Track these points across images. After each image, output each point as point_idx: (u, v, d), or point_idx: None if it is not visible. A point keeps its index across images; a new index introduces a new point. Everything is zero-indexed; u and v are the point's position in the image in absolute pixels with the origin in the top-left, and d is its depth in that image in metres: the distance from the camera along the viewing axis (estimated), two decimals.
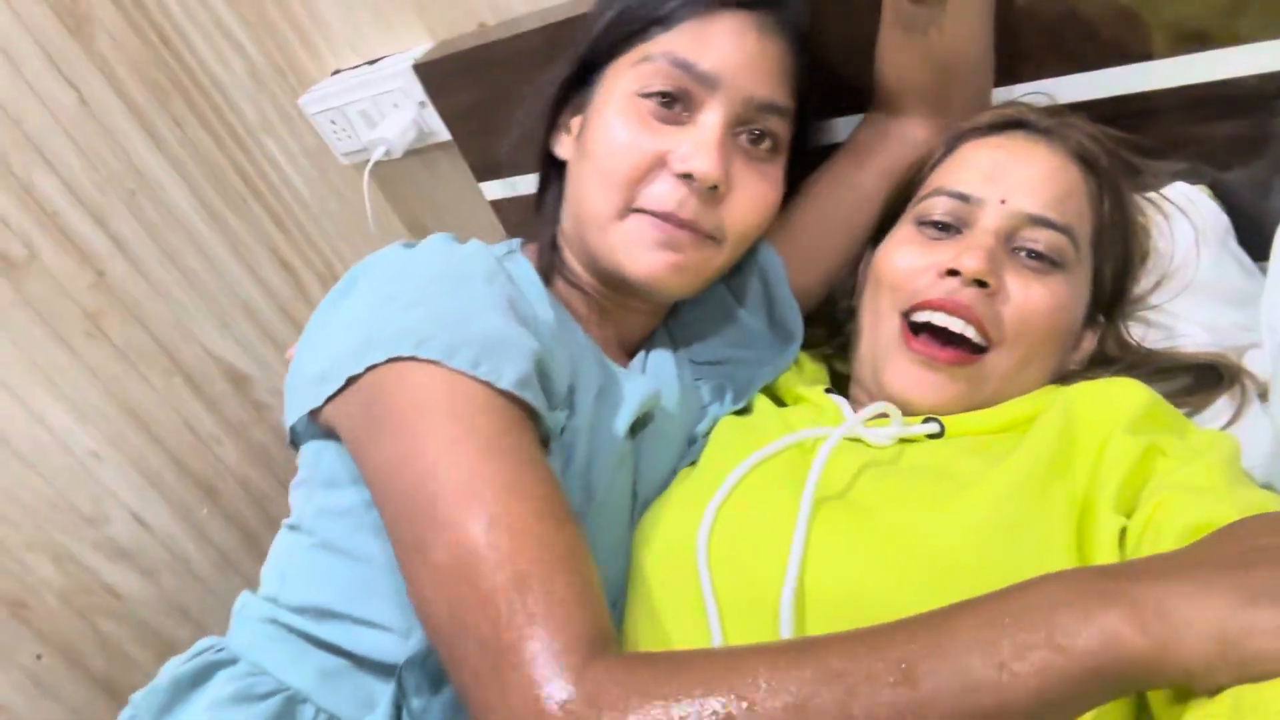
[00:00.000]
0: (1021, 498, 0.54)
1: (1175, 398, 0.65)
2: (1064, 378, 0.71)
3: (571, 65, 0.71)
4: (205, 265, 1.33)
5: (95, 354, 1.21)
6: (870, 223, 0.80)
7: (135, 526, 1.23)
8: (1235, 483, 0.52)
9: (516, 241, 0.76)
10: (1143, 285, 0.76)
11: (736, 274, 0.80)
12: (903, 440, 0.65)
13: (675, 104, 0.65)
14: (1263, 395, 0.68)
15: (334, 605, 0.59)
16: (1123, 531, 0.52)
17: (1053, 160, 0.70)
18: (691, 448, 0.74)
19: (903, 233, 0.73)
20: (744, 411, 0.77)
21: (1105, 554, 0.52)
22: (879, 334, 0.71)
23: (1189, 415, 0.67)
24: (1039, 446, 0.58)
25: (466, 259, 0.61)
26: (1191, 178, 0.78)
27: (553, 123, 0.73)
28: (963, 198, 0.70)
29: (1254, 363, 0.71)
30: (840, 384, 0.80)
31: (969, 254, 0.65)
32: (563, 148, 0.73)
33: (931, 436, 0.65)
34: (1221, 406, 0.68)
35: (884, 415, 0.66)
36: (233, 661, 0.60)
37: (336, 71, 1.23)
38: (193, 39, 1.27)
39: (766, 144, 0.67)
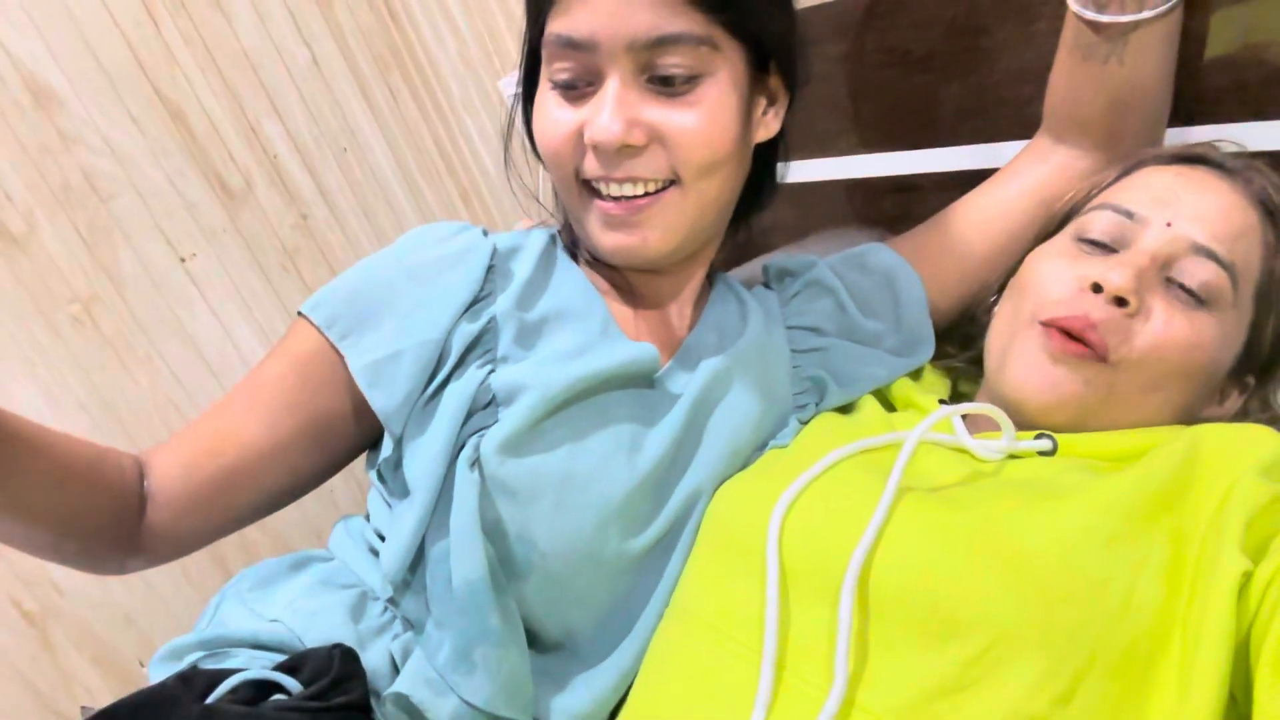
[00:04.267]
0: (1123, 514, 0.52)
1: None
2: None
3: (523, 60, 0.71)
4: (395, 227, 1.45)
5: (287, 288, 1.34)
6: (1020, 248, 0.78)
7: None
8: None
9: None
10: None
11: (860, 280, 0.79)
12: (1011, 456, 0.63)
13: (578, 85, 0.64)
14: None
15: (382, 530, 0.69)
16: (1246, 575, 0.49)
17: (1231, 197, 0.66)
18: (781, 432, 0.73)
19: (1056, 245, 0.71)
20: (847, 410, 0.76)
21: (1220, 593, 0.48)
22: (1008, 338, 0.69)
23: None
24: (1154, 473, 0.55)
25: (420, 249, 0.70)
26: None
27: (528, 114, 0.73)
28: (1127, 214, 0.67)
29: None
30: (963, 400, 0.78)
31: (1117, 270, 0.62)
32: None
33: (1042, 454, 0.63)
34: None
35: (991, 430, 0.64)
36: (328, 559, 0.70)
37: None
38: (417, 18, 1.39)
39: (679, 79, 0.63)
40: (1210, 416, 0.68)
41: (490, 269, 0.69)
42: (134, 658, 1.26)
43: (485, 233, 0.73)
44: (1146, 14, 0.67)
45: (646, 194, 0.64)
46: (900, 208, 0.96)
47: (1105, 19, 0.68)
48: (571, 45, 0.62)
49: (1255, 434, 0.57)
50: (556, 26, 0.63)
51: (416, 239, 0.71)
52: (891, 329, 0.79)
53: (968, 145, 0.87)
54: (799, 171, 0.82)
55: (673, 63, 0.62)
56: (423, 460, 0.63)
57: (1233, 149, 0.72)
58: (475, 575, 0.61)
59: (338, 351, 0.65)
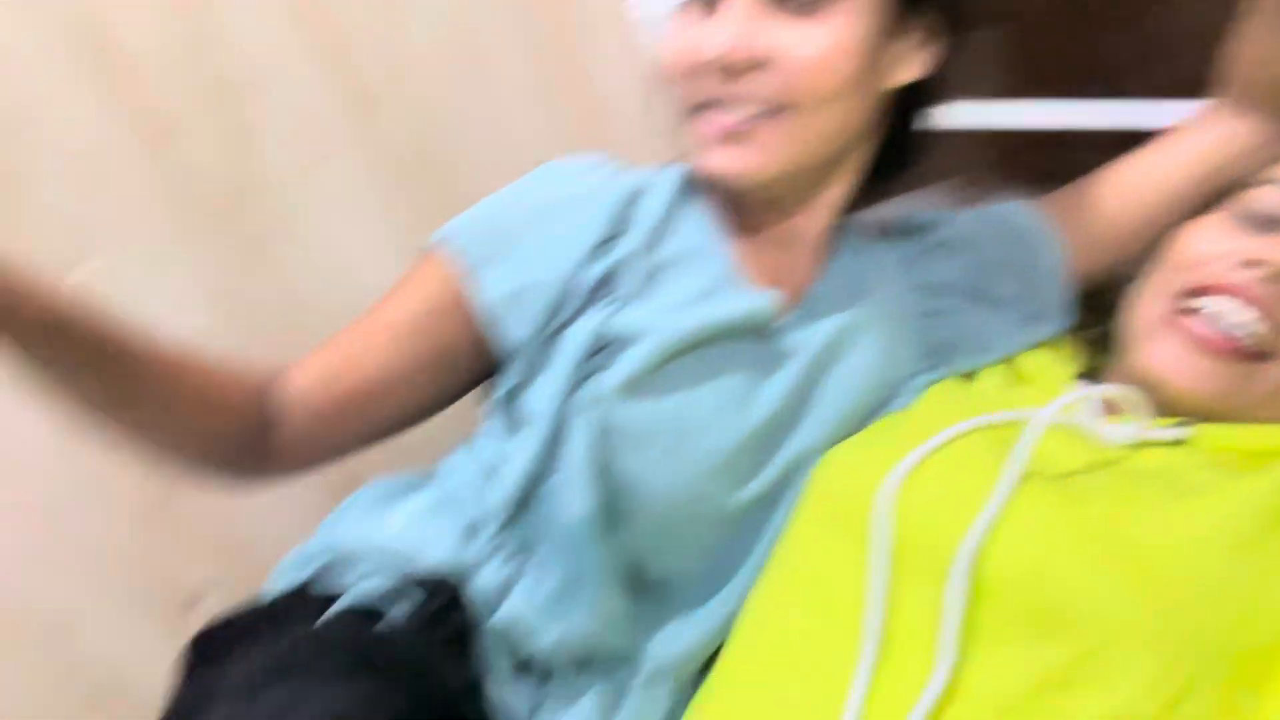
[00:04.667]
0: (1253, 520, 0.50)
1: None
2: None
3: None
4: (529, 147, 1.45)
5: (419, 199, 1.37)
6: (1176, 220, 0.73)
7: None
8: None
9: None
10: None
11: (997, 240, 0.76)
12: (1141, 443, 0.60)
13: (704, 3, 0.64)
14: None
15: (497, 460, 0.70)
16: None
17: None
18: (897, 399, 0.72)
19: (1212, 219, 0.67)
20: (971, 377, 0.74)
21: None
22: (1146, 312, 0.66)
23: None
24: None
25: (554, 184, 0.71)
26: None
27: None
28: None
29: None
30: (1096, 376, 0.75)
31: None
32: None
33: (1175, 443, 0.60)
34: None
35: (1123, 411, 0.61)
36: (446, 482, 0.73)
37: None
38: None
39: None
40: None
41: (621, 209, 0.69)
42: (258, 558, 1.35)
43: (618, 171, 0.73)
44: None
45: (759, 114, 0.63)
46: (1046, 164, 0.90)
47: None
48: None
49: None
50: None
51: (551, 174, 0.72)
52: (1026, 295, 0.76)
53: (1128, 101, 0.81)
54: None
55: None
56: (540, 397, 0.65)
57: None
58: (582, 513, 0.62)
59: (466, 284, 0.66)
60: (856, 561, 0.57)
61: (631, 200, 0.70)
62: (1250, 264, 0.59)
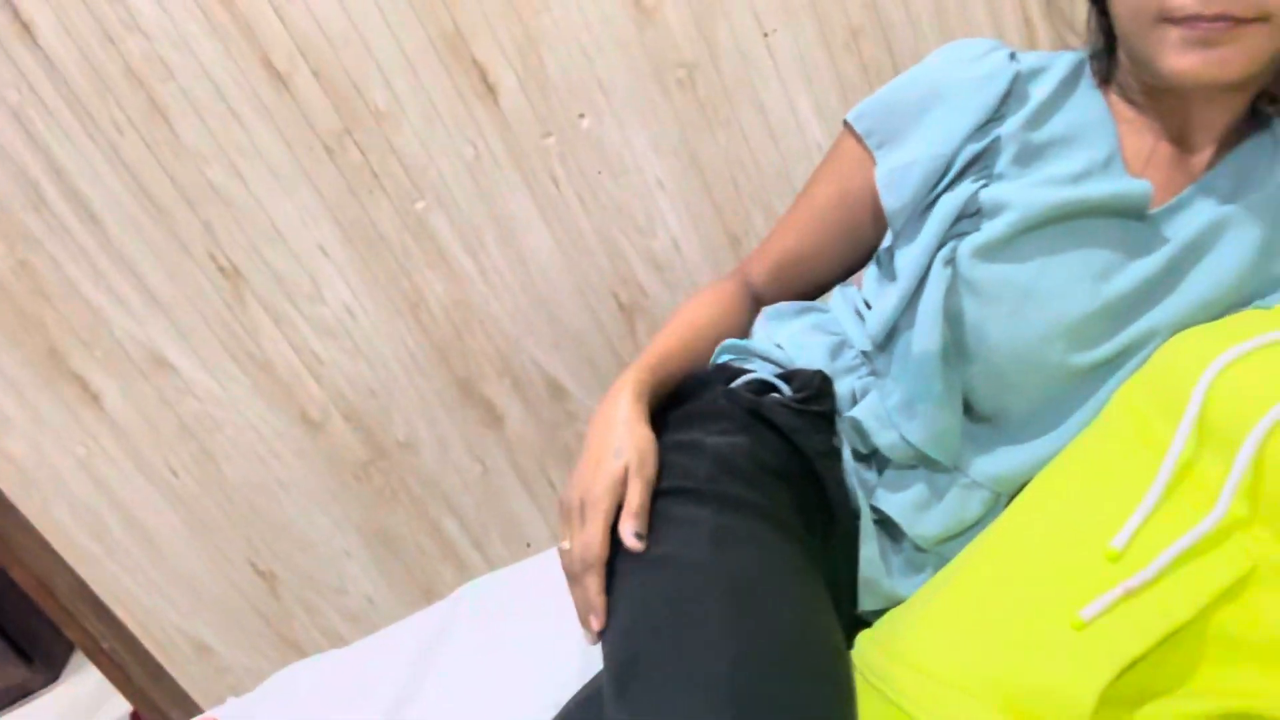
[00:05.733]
0: None
1: None
2: None
3: None
4: (956, 5, 1.49)
5: (847, 67, 1.49)
6: None
7: None
8: None
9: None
10: None
11: None
12: None
13: None
14: None
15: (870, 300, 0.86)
16: None
17: None
18: (1264, 298, 0.72)
19: None
20: None
21: None
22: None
23: None
24: None
25: (951, 68, 0.79)
26: None
27: None
28: None
29: None
30: None
31: None
32: None
33: None
34: None
35: None
36: (826, 311, 0.91)
37: None
38: None
39: None
40: None
41: (1008, 93, 0.77)
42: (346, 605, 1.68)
43: (1014, 55, 0.80)
44: None
45: (1231, 23, 0.66)
46: None
47: None
48: None
49: None
50: None
51: (950, 56, 0.81)
52: None
53: None
54: None
55: None
56: (910, 253, 0.78)
57: None
58: (930, 349, 0.75)
59: (869, 162, 0.81)
60: (1168, 430, 0.63)
61: (1021, 83, 0.77)
62: None
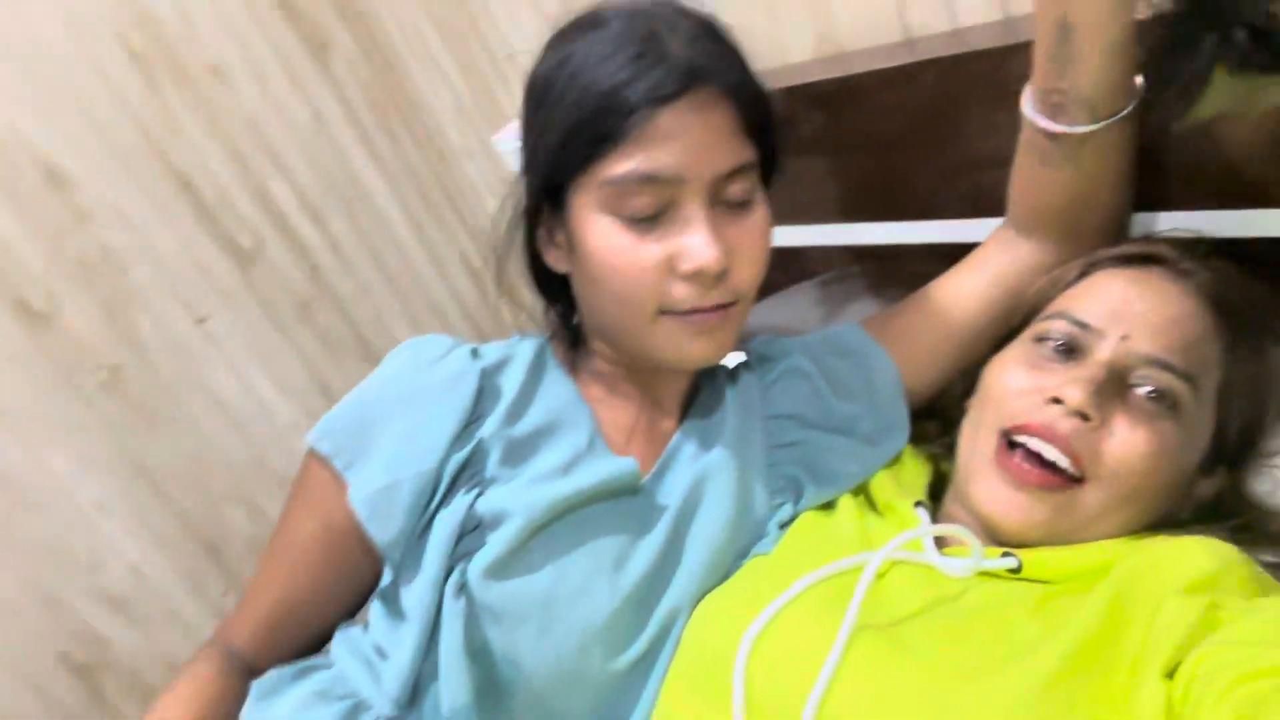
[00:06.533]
0: (1069, 679, 0.53)
1: None
2: (1177, 525, 0.69)
3: (534, 195, 0.72)
4: (405, 271, 1.49)
5: (302, 339, 1.39)
6: (989, 334, 0.79)
7: None
8: None
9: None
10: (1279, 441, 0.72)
11: (836, 363, 0.81)
12: (978, 573, 0.65)
13: (656, 217, 0.66)
14: None
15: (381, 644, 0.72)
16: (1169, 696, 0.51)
17: (1185, 304, 0.68)
18: (763, 539, 0.75)
19: (1018, 350, 0.73)
20: (830, 508, 0.77)
21: None
22: (976, 446, 0.71)
23: None
24: (1092, 617, 0.57)
25: (413, 374, 0.74)
26: None
27: (533, 241, 0.76)
28: (1083, 326, 0.69)
29: None
30: (943, 486, 0.80)
31: (1074, 385, 0.64)
32: (557, 262, 0.75)
33: (1011, 572, 0.65)
34: None
35: (961, 543, 0.66)
36: (329, 667, 0.73)
37: None
38: (411, 69, 1.42)
39: (742, 198, 0.68)
40: (1184, 511, 0.70)
41: (480, 390, 0.73)
42: None
43: (475, 351, 0.76)
44: (1099, 125, 0.68)
45: (721, 308, 0.69)
46: (879, 273, 0.97)
47: (1058, 129, 0.69)
48: (653, 180, 0.65)
49: (1183, 551, 0.59)
50: (632, 164, 0.65)
51: (409, 360, 0.75)
52: (867, 412, 0.81)
53: (941, 221, 0.89)
54: (784, 237, 0.83)
55: (739, 189, 0.68)
56: (417, 588, 0.67)
57: (1190, 237, 0.74)
58: (461, 701, 0.65)
59: (342, 487, 0.70)
60: (721, 712, 0.60)
61: (489, 379, 0.74)
62: (1053, 401, 0.65)
